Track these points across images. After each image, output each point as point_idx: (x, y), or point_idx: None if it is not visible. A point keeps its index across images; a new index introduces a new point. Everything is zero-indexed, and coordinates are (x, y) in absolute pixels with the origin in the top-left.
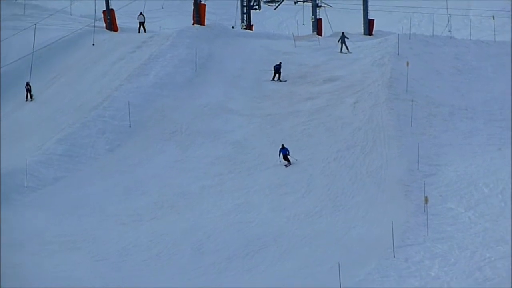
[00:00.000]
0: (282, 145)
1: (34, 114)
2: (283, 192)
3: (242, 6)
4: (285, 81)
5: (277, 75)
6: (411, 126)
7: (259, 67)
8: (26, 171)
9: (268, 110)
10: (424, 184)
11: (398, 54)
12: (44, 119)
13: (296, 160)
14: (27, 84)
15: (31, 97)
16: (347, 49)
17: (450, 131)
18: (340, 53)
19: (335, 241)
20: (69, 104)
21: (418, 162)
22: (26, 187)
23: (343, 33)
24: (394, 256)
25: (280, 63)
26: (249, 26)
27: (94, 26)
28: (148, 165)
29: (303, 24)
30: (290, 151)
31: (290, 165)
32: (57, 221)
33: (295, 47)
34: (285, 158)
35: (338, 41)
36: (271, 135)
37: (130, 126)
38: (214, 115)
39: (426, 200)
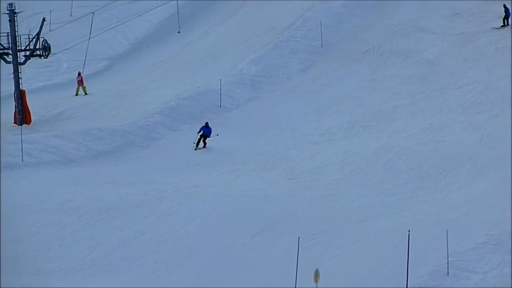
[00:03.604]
0: (207, 123)
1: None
2: (477, 111)
3: None
4: None
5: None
6: None
7: None
8: (220, 91)
9: (460, 29)
10: None
11: None
12: (236, 40)
13: (217, 135)
14: None
15: None
16: None
17: None
18: None
19: None
20: (260, 25)
21: None
22: (220, 107)
23: None
24: None
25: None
26: None
27: None
28: (339, 85)
29: None
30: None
31: (205, 148)
32: (250, 141)
33: None
34: (203, 138)
35: None
36: (464, 54)
37: (322, 46)
38: (406, 34)
39: None
